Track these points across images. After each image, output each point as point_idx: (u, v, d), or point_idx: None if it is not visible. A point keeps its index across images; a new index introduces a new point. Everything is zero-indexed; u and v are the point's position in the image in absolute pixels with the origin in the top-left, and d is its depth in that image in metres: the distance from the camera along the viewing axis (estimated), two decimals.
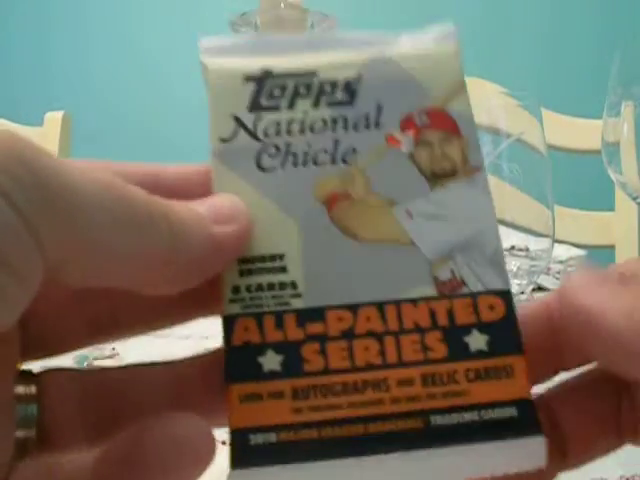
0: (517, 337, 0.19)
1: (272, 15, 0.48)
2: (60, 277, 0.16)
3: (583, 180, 1.52)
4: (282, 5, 0.48)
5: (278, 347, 0.19)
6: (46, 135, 1.15)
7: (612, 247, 1.02)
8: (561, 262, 0.88)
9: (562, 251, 0.89)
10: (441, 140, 0.22)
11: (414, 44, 0.23)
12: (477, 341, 0.19)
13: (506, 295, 0.20)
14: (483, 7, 1.97)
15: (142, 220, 0.17)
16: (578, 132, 1.05)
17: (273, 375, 0.19)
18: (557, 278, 0.85)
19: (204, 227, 0.18)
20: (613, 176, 0.61)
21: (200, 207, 0.19)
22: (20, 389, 0.20)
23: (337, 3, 1.38)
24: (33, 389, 0.20)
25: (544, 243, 0.55)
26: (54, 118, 1.16)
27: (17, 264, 0.15)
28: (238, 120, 0.22)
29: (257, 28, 0.48)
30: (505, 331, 0.20)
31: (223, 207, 0.19)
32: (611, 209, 1.03)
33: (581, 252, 0.91)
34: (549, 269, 0.85)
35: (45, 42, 2.18)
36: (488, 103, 0.60)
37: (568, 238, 0.95)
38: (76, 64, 2.18)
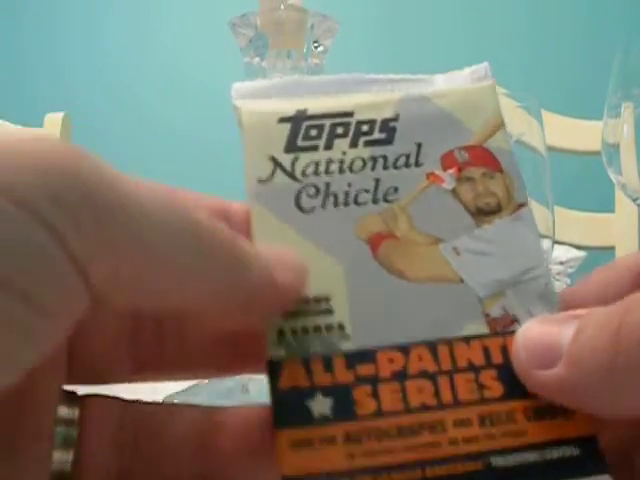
0: None
1: (272, 16, 0.48)
2: (110, 297, 0.15)
3: (583, 181, 1.52)
4: (282, 6, 0.48)
5: (327, 390, 0.18)
6: None
7: (612, 248, 1.02)
8: (561, 263, 0.88)
9: (562, 252, 0.89)
10: (484, 176, 0.22)
11: (449, 82, 0.23)
12: None
13: None
14: (483, 8, 1.97)
15: (206, 247, 0.16)
16: (578, 133, 1.05)
17: (324, 419, 0.18)
18: (557, 279, 0.85)
19: (266, 267, 0.18)
20: (613, 177, 0.61)
21: (263, 250, 0.18)
22: (63, 410, 0.19)
23: (337, 4, 1.38)
24: (76, 412, 0.19)
25: (544, 244, 0.55)
26: (54, 119, 1.16)
27: (53, 303, 0.14)
28: (275, 161, 0.21)
29: (257, 29, 0.48)
30: None
31: (284, 255, 0.19)
32: (611, 210, 1.03)
33: (581, 253, 0.91)
34: (549, 270, 0.85)
35: (55, 43, 2.18)
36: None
37: (568, 239, 0.95)
38: (77, 65, 2.18)
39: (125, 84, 2.14)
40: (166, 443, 0.20)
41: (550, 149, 0.64)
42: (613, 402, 0.17)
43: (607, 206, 1.03)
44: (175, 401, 0.41)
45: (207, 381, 0.48)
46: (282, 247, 0.20)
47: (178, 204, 0.16)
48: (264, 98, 0.22)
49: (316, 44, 0.50)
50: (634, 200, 0.59)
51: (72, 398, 0.20)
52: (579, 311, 0.18)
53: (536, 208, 0.57)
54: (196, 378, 0.22)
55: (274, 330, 0.19)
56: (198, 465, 0.20)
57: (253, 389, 0.44)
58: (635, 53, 0.59)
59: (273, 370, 0.19)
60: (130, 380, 0.21)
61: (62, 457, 0.19)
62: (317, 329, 0.19)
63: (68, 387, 0.20)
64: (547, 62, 1.91)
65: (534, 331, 0.18)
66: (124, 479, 0.19)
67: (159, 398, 0.43)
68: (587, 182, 1.41)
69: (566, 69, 1.89)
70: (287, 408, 0.18)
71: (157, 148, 2.05)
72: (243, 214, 0.21)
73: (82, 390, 0.20)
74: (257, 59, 0.49)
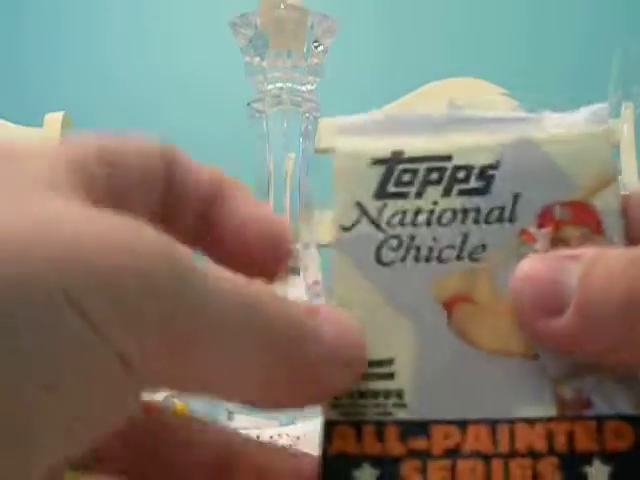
0: None
1: (272, 16, 0.48)
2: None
3: None
4: (282, 6, 0.48)
5: (375, 461, 0.18)
6: (46, 136, 1.15)
7: None
8: None
9: None
10: (581, 238, 0.19)
11: (559, 124, 0.21)
12: (598, 473, 0.17)
13: (638, 422, 0.17)
14: (483, 7, 1.98)
15: (276, 348, 0.16)
16: None
17: None
18: None
19: (329, 370, 0.17)
20: None
21: (329, 330, 0.17)
22: None
23: (337, 4, 1.38)
24: None
25: None
26: (54, 119, 1.16)
27: (108, 426, 0.14)
28: (362, 208, 0.20)
29: (257, 29, 0.48)
30: (632, 465, 0.17)
31: (350, 344, 0.18)
32: None
33: None
34: None
35: (54, 43, 2.19)
36: (487, 104, 0.60)
37: None
38: (77, 65, 2.18)
39: (124, 84, 2.15)
40: (184, 464, 0.19)
41: None
42: (629, 354, 0.16)
43: None
44: (175, 400, 0.41)
45: None
46: (349, 325, 0.18)
47: (255, 303, 0.15)
48: (363, 135, 0.21)
49: (316, 43, 0.50)
50: None
51: None
52: (579, 250, 0.17)
53: None
54: None
55: None
56: None
57: None
58: (635, 53, 0.59)
59: (325, 432, 0.18)
60: None
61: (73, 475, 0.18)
62: (375, 394, 0.18)
63: None
64: (547, 62, 1.91)
65: (534, 272, 0.17)
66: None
67: (159, 397, 0.43)
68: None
69: (566, 68, 1.89)
70: (333, 475, 0.18)
71: None
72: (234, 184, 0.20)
73: None
74: (257, 58, 0.49)
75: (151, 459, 0.19)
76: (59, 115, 1.16)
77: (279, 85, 0.49)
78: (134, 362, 0.13)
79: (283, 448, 0.20)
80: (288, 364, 0.16)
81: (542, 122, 0.21)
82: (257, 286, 0.16)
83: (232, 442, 0.20)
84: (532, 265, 0.18)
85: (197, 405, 0.41)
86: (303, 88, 0.49)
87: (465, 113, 0.22)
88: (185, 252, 0.14)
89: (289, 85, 0.49)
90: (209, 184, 0.20)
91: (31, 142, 0.16)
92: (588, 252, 0.17)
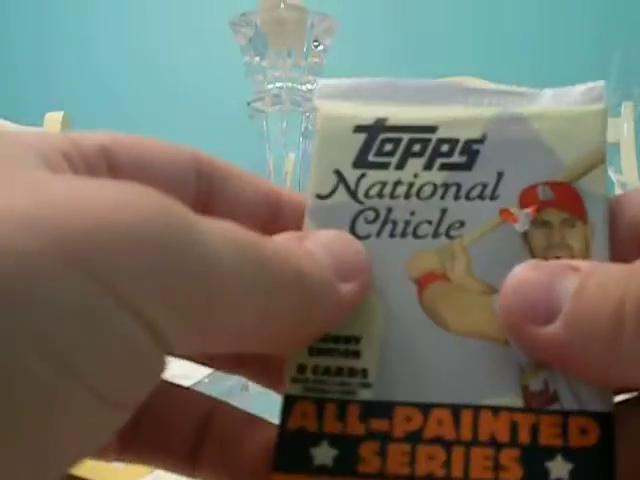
0: (608, 470, 0.16)
1: (272, 15, 0.48)
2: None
3: None
4: (282, 5, 0.48)
5: (335, 440, 0.17)
6: None
7: None
8: None
9: None
10: (563, 223, 0.19)
11: (554, 101, 0.20)
12: (560, 469, 0.17)
13: (605, 420, 0.17)
14: (483, 7, 1.98)
15: (276, 289, 0.16)
16: None
17: (323, 470, 0.17)
18: None
19: (333, 290, 0.17)
20: (613, 176, 0.61)
21: (325, 257, 0.17)
22: None
23: (337, 3, 1.38)
24: None
25: None
26: (54, 118, 1.16)
27: (134, 398, 0.13)
28: (340, 175, 0.20)
29: (257, 28, 0.48)
30: (595, 462, 0.17)
31: (347, 257, 0.18)
32: None
33: None
34: None
35: (46, 41, 2.19)
36: None
37: None
38: (77, 64, 2.18)
39: (124, 83, 2.15)
40: (168, 422, 0.20)
41: None
42: (614, 371, 0.16)
43: None
44: None
45: (207, 380, 0.48)
46: (345, 238, 0.18)
47: (248, 245, 0.15)
48: (348, 99, 0.21)
49: (316, 43, 0.50)
50: None
51: None
52: (577, 262, 0.17)
53: None
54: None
55: (295, 364, 0.18)
56: (189, 453, 0.19)
57: (253, 388, 0.44)
58: (635, 52, 0.59)
59: (286, 407, 0.18)
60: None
61: None
62: (339, 371, 0.18)
63: None
64: (547, 61, 1.91)
65: (529, 279, 0.17)
66: (127, 454, 0.19)
67: None
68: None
69: (566, 68, 1.89)
70: (289, 451, 0.17)
71: None
72: (292, 206, 0.20)
73: None
74: (257, 58, 0.49)
75: (140, 425, 0.19)
76: (59, 115, 1.16)
77: (279, 85, 0.49)
78: (157, 325, 0.13)
79: (254, 416, 0.20)
80: (291, 296, 0.16)
81: (536, 97, 0.21)
82: (253, 233, 0.16)
83: (209, 406, 0.20)
84: (527, 271, 0.17)
85: None
86: (303, 88, 0.49)
87: (457, 83, 0.21)
88: (184, 208, 0.14)
89: (289, 85, 0.49)
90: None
91: (25, 131, 0.16)
92: (586, 265, 0.17)
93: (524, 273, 0.17)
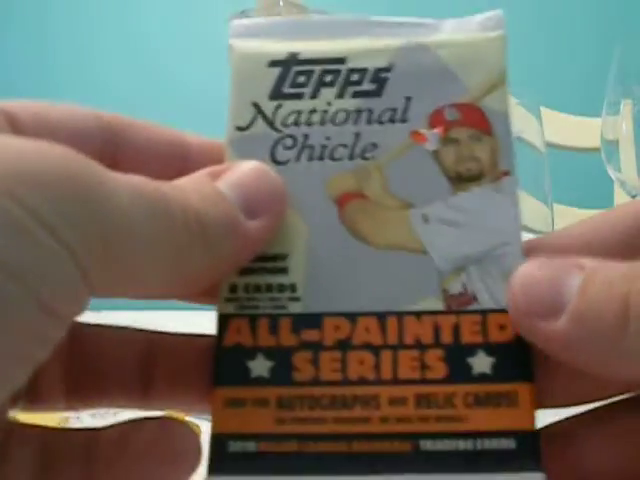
0: (526, 362, 0.18)
1: (270, 13, 0.48)
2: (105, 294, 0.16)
3: (582, 178, 1.52)
4: (281, 3, 0.48)
5: (269, 352, 0.18)
6: None
7: None
8: None
9: None
10: (470, 138, 0.20)
11: (456, 30, 0.22)
12: (481, 363, 0.18)
13: None
14: (483, 7, 1.97)
15: (179, 233, 0.17)
16: (577, 130, 1.05)
17: (260, 381, 0.18)
18: None
19: (239, 229, 0.18)
20: (612, 174, 0.61)
21: (231, 192, 0.18)
22: None
23: (336, 1, 1.38)
24: None
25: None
26: None
27: (66, 313, 0.15)
28: (257, 107, 0.21)
29: None
30: (514, 355, 0.18)
31: (257, 193, 0.18)
32: (610, 207, 1.03)
33: None
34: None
35: (46, 44, 2.18)
36: None
37: None
38: (76, 63, 2.18)
39: (122, 84, 2.14)
40: (113, 364, 0.20)
41: (549, 146, 0.64)
42: (618, 366, 0.16)
43: (606, 203, 1.03)
44: None
45: None
46: (258, 171, 0.19)
47: (149, 193, 0.16)
48: (260, 37, 0.22)
49: None
50: (633, 197, 0.59)
51: None
52: (583, 260, 0.17)
53: (535, 205, 0.57)
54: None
55: (227, 284, 0.19)
56: (140, 391, 0.20)
57: None
58: (634, 50, 0.59)
59: (220, 325, 0.19)
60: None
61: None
62: (269, 288, 0.19)
63: None
64: (546, 59, 1.91)
65: (535, 275, 0.17)
66: (74, 401, 0.20)
67: None
68: (586, 179, 1.41)
69: (565, 66, 1.89)
70: (227, 366, 0.18)
71: None
72: (200, 148, 0.21)
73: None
74: None
75: (83, 371, 0.20)
76: None
77: None
78: (71, 247, 0.14)
79: (192, 334, 0.21)
80: (192, 240, 0.17)
81: (438, 27, 0.22)
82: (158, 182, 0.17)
83: (148, 336, 0.20)
84: (532, 269, 0.17)
85: None
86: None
87: (364, 17, 0.22)
88: (89, 160, 0.16)
89: None
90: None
91: None
92: (591, 263, 0.17)
93: (530, 270, 0.17)
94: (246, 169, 0.19)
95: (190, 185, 0.18)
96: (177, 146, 0.21)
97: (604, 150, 0.61)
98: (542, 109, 0.62)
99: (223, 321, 0.19)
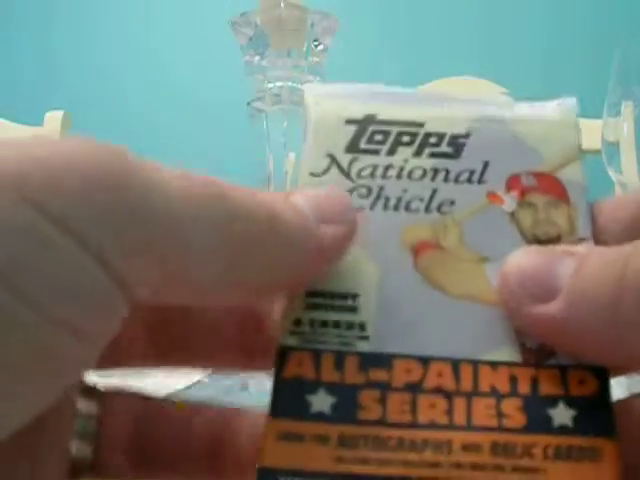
0: (610, 418, 0.17)
1: (272, 14, 0.48)
2: (152, 303, 0.15)
3: None
4: (282, 4, 0.48)
5: (332, 388, 0.17)
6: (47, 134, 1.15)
7: None
8: None
9: None
10: (547, 204, 0.20)
11: (530, 110, 0.22)
12: (562, 415, 0.17)
13: (600, 372, 0.17)
14: (484, 8, 1.97)
15: (245, 233, 0.15)
16: None
17: (321, 417, 0.17)
18: None
19: (310, 232, 0.17)
20: (613, 176, 0.61)
21: (304, 202, 0.17)
22: (82, 404, 0.19)
23: (337, 2, 1.38)
24: (94, 406, 0.19)
25: None
26: (54, 117, 1.16)
27: (97, 331, 0.13)
28: (333, 158, 0.20)
29: (257, 28, 0.48)
30: (596, 409, 0.17)
31: (331, 202, 0.18)
32: None
33: None
34: None
35: (48, 40, 2.18)
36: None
37: None
38: (79, 63, 2.18)
39: (124, 83, 2.14)
40: (182, 443, 0.19)
41: None
42: (615, 343, 0.16)
43: None
44: (174, 400, 0.41)
45: (208, 379, 0.48)
46: (329, 188, 0.19)
47: (209, 192, 0.15)
48: (337, 99, 0.22)
49: (316, 42, 0.50)
50: None
51: (92, 392, 0.20)
52: (573, 247, 0.17)
53: None
54: (214, 370, 0.21)
55: (291, 318, 0.18)
56: (209, 468, 0.19)
57: (253, 387, 0.44)
58: (635, 51, 0.59)
59: (280, 357, 0.18)
60: (154, 366, 0.21)
61: (82, 449, 0.19)
62: (336, 324, 0.18)
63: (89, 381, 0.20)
64: (545, 60, 1.91)
65: (528, 260, 0.17)
66: (142, 474, 0.19)
67: (162, 394, 0.43)
68: (587, 180, 1.41)
69: (565, 67, 1.89)
70: (285, 398, 0.17)
71: (157, 148, 2.04)
72: None
73: (101, 382, 0.20)
74: (257, 57, 0.49)
75: (151, 447, 0.19)
76: (59, 114, 1.16)
77: (279, 84, 0.49)
78: (105, 255, 0.13)
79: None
80: (262, 241, 0.16)
81: (513, 106, 0.22)
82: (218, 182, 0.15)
83: (226, 419, 0.20)
84: (525, 254, 0.18)
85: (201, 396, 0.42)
86: (303, 87, 0.49)
87: (437, 91, 0.22)
88: (139, 160, 0.14)
89: (289, 84, 0.49)
90: None
91: None
92: (582, 249, 0.17)
93: (523, 256, 0.17)
94: (318, 190, 0.18)
95: (256, 191, 0.17)
96: None
97: (605, 152, 0.61)
98: None
99: (284, 354, 0.18)
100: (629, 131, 0.59)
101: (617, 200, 0.20)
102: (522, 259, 0.17)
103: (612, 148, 0.60)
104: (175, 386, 0.46)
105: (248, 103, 0.50)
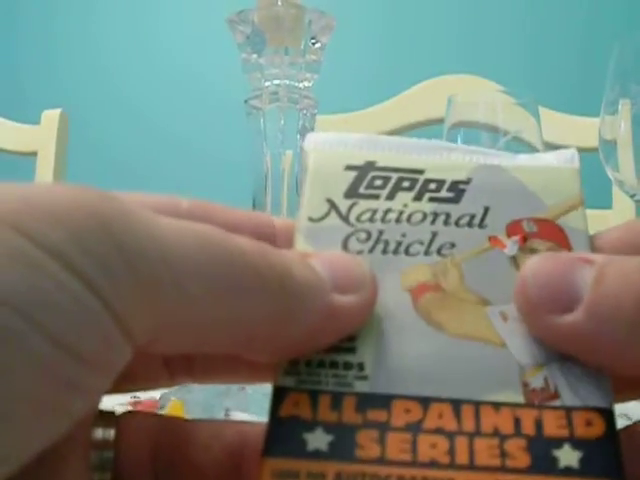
0: (617, 460, 0.16)
1: (269, 12, 0.48)
2: (150, 348, 0.15)
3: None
4: (279, 3, 0.48)
5: (329, 427, 0.17)
6: (43, 133, 1.15)
7: None
8: None
9: None
10: (549, 250, 0.20)
11: (531, 159, 0.22)
12: (568, 457, 0.16)
13: (607, 413, 0.17)
14: (482, 5, 1.97)
15: (249, 285, 0.15)
16: (575, 130, 1.05)
17: (317, 454, 0.16)
18: None
19: (323, 296, 0.17)
20: (610, 174, 0.61)
21: (321, 267, 0.17)
22: (99, 432, 0.19)
23: (335, 0, 1.38)
24: (112, 433, 0.19)
25: None
26: (51, 116, 1.16)
27: (97, 355, 0.14)
28: (332, 203, 0.21)
29: (254, 26, 0.48)
30: (603, 451, 0.16)
31: (348, 270, 0.18)
32: (609, 207, 1.03)
33: None
34: None
35: (50, 40, 2.18)
36: (485, 101, 0.60)
37: None
38: (79, 62, 2.17)
39: (121, 81, 2.14)
40: (200, 464, 0.19)
41: (547, 146, 0.64)
42: (635, 358, 0.16)
43: (604, 203, 1.03)
44: (173, 398, 0.41)
45: None
46: (349, 255, 0.19)
47: (209, 239, 0.15)
48: (336, 147, 0.22)
49: (314, 41, 0.49)
50: (631, 197, 0.59)
51: (108, 418, 0.19)
52: (589, 254, 0.17)
53: None
54: (225, 383, 0.21)
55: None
56: None
57: (250, 387, 0.44)
58: (632, 50, 0.59)
59: (276, 397, 0.17)
60: (167, 385, 0.21)
61: (99, 477, 0.19)
62: (334, 364, 0.18)
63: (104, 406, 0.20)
64: (544, 59, 1.91)
65: (546, 267, 0.17)
66: None
67: (156, 395, 0.43)
68: (584, 179, 1.41)
69: (563, 66, 1.89)
70: (281, 436, 0.17)
71: (154, 146, 2.04)
72: (287, 231, 0.21)
73: (116, 405, 0.20)
74: (254, 55, 0.49)
75: (169, 471, 0.19)
76: (56, 112, 1.16)
77: (276, 82, 0.49)
78: (117, 308, 0.13)
79: None
80: (267, 296, 0.16)
81: (513, 157, 0.22)
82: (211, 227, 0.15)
83: (246, 438, 0.20)
84: (543, 261, 0.17)
85: (194, 403, 0.41)
86: (300, 85, 0.49)
87: (438, 142, 0.22)
88: (119, 206, 0.14)
89: (286, 82, 0.49)
90: None
91: None
92: (599, 257, 0.17)
93: (539, 263, 0.17)
94: (335, 253, 0.18)
95: (273, 248, 0.17)
96: (263, 228, 0.21)
97: (602, 150, 0.61)
98: (540, 109, 0.62)
99: (280, 394, 0.17)
100: (626, 129, 0.59)
101: (616, 240, 0.20)
102: (540, 267, 0.17)
103: (609, 146, 0.61)
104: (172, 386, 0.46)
105: (245, 101, 0.50)
